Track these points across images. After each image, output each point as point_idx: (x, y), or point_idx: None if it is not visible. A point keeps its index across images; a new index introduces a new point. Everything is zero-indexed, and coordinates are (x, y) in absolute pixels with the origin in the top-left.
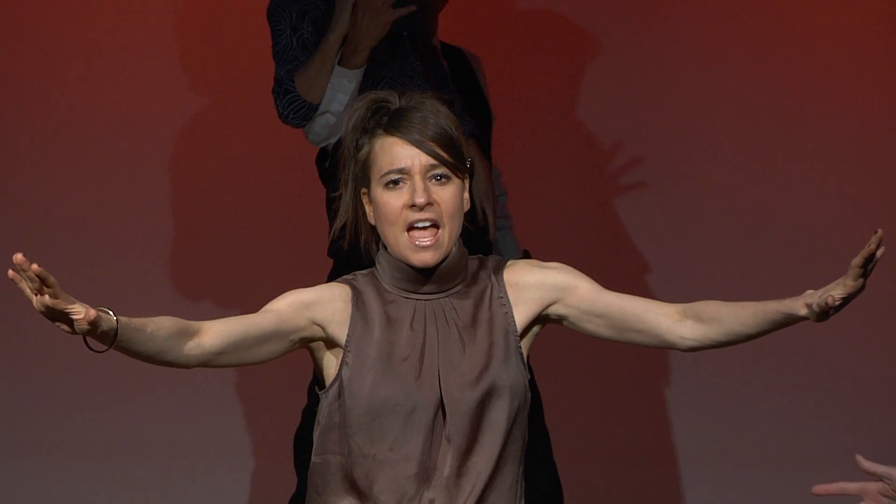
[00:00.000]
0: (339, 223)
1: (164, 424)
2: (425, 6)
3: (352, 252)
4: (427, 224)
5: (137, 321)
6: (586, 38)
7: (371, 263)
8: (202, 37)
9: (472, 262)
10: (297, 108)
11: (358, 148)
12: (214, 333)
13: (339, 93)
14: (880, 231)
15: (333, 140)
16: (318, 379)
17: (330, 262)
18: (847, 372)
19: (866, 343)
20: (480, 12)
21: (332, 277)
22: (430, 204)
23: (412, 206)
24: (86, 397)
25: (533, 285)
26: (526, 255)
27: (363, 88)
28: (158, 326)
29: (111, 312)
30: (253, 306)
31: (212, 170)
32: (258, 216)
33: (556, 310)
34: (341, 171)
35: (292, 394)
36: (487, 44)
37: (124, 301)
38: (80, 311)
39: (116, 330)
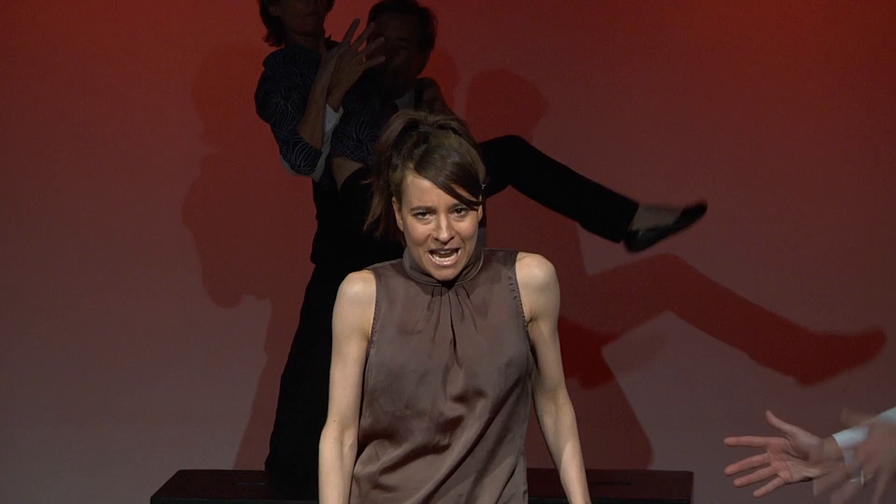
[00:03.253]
0: (371, 219)
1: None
2: (394, 70)
3: (356, 250)
4: (449, 252)
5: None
6: (577, 36)
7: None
8: (207, 43)
9: (485, 252)
10: (306, 156)
11: (392, 166)
12: (354, 420)
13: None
14: None
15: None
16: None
17: (312, 267)
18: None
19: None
20: (462, 13)
21: (314, 281)
22: (451, 238)
23: (436, 239)
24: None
25: (538, 293)
26: None
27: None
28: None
29: None
30: (249, 304)
31: (208, 177)
32: (250, 223)
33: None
34: (374, 173)
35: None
36: (475, 44)
37: (126, 298)
38: None
39: None
